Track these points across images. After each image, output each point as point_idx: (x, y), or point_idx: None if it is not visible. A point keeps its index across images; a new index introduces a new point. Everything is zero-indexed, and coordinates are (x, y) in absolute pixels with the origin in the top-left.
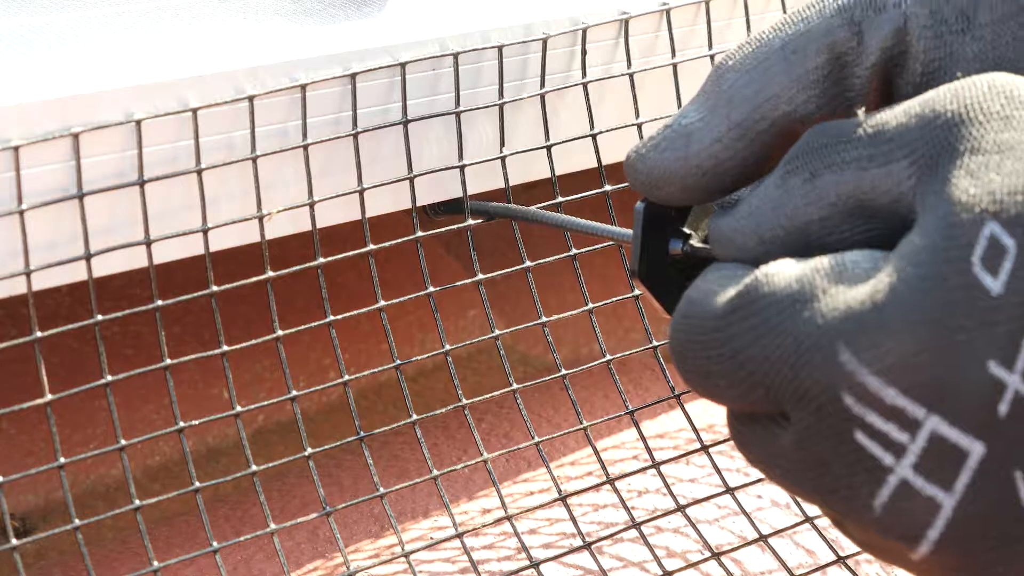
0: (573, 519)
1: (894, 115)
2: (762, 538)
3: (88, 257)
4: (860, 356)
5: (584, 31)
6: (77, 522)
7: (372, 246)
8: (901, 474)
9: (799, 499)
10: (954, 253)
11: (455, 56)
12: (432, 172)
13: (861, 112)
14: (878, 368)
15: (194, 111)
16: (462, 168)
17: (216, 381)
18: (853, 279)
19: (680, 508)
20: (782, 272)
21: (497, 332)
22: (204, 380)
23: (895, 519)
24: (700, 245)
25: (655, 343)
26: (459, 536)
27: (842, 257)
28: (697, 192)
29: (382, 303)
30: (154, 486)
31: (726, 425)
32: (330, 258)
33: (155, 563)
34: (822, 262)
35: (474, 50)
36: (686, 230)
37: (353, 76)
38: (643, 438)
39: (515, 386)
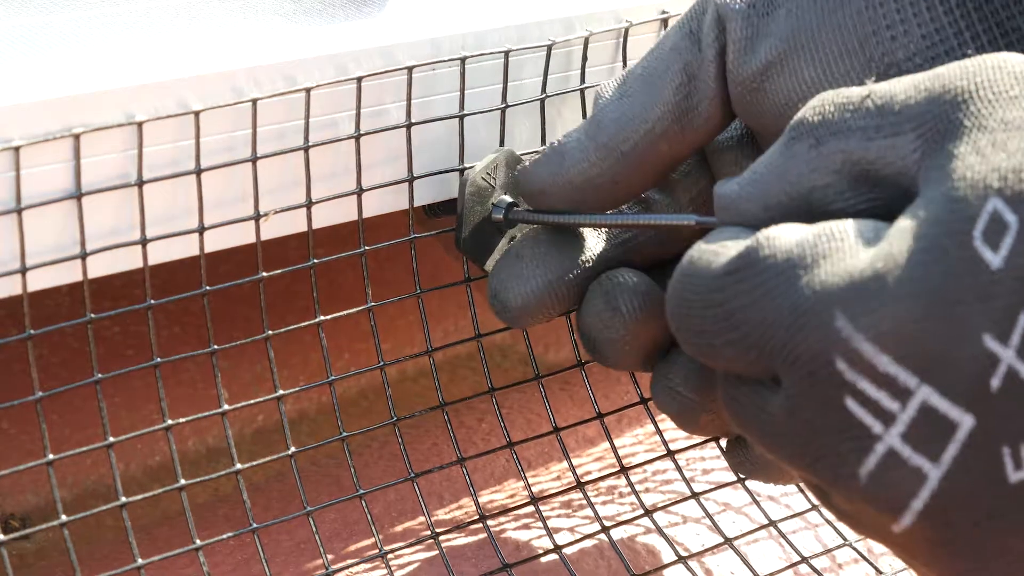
0: (542, 520)
1: (903, 87)
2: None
3: (83, 256)
4: (856, 322)
5: (586, 39)
6: (64, 518)
7: (366, 247)
8: (889, 442)
9: (784, 465)
10: (956, 226)
11: (462, 60)
12: (431, 175)
13: (870, 81)
14: (873, 335)
15: (196, 113)
16: (462, 171)
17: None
18: (854, 246)
19: (695, 495)
20: (783, 235)
21: (480, 334)
22: (204, 380)
23: (880, 488)
24: (519, 210)
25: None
26: (435, 535)
27: (844, 224)
28: (574, 204)
29: (371, 303)
30: (154, 486)
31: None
32: (324, 259)
33: (139, 560)
34: (824, 227)
35: (481, 55)
36: (506, 198)
37: (359, 80)
38: (656, 427)
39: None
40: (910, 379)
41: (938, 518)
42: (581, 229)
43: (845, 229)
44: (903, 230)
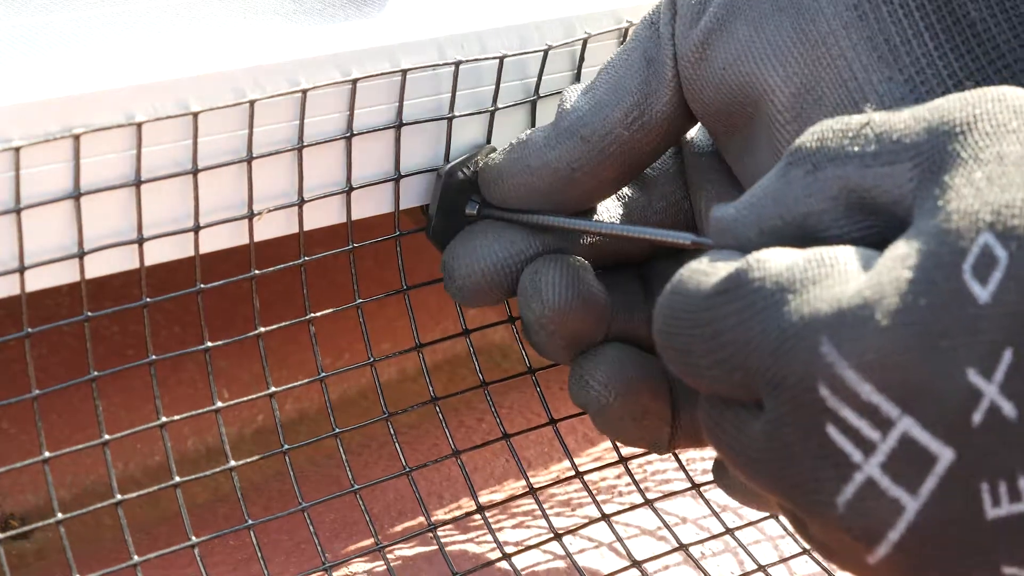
0: (543, 513)
1: (901, 117)
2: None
3: (81, 256)
4: (841, 349)
5: (584, 41)
6: (60, 516)
7: (354, 244)
8: (868, 472)
9: (761, 490)
10: (947, 259)
11: (456, 64)
12: (416, 173)
13: (869, 108)
14: (858, 363)
15: (195, 114)
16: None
17: (216, 380)
18: (844, 273)
19: (695, 486)
20: (773, 259)
21: (467, 328)
22: (204, 380)
23: (857, 517)
24: (491, 207)
25: None
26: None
27: (835, 251)
28: (531, 191)
29: (360, 300)
30: (153, 485)
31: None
32: (314, 256)
33: (135, 557)
34: (815, 252)
35: (476, 60)
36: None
37: (354, 82)
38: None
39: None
40: (892, 409)
41: (914, 551)
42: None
43: (836, 255)
44: (894, 259)
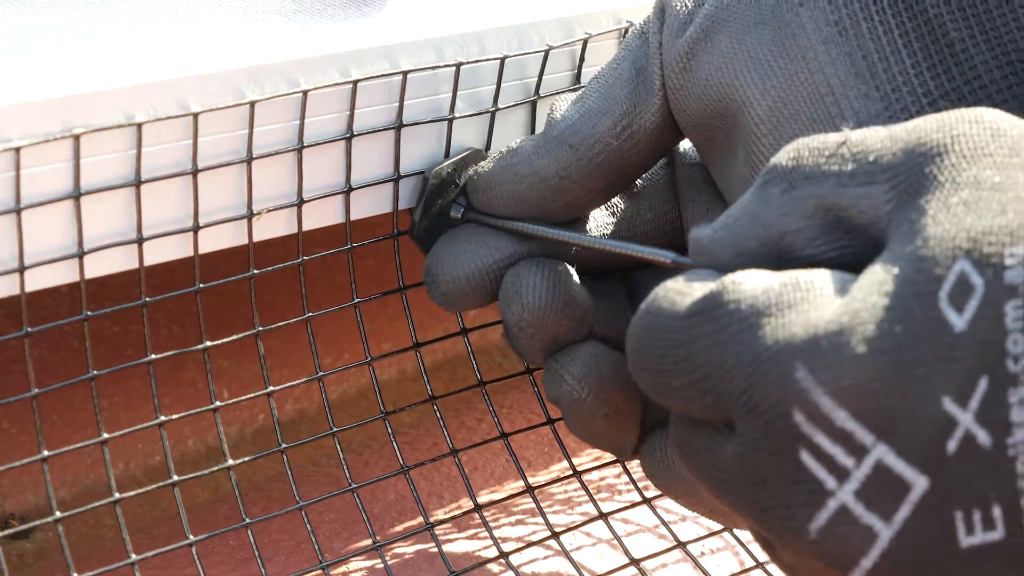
0: (541, 511)
1: (879, 137)
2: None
3: (81, 256)
4: (816, 375)
5: (584, 41)
6: (59, 514)
7: (353, 244)
8: (842, 499)
9: (732, 512)
10: (923, 287)
11: (457, 66)
12: (413, 175)
13: (846, 128)
14: (832, 389)
15: (195, 115)
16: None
17: (216, 380)
18: (819, 298)
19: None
20: (749, 282)
21: (466, 328)
22: (204, 379)
23: (830, 543)
24: (477, 211)
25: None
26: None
27: (811, 274)
28: (520, 199)
29: (357, 300)
30: (154, 485)
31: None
32: (312, 256)
33: (132, 556)
34: (791, 276)
35: (476, 61)
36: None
37: (354, 83)
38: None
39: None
40: (867, 436)
41: None
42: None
43: (811, 280)
44: (870, 284)
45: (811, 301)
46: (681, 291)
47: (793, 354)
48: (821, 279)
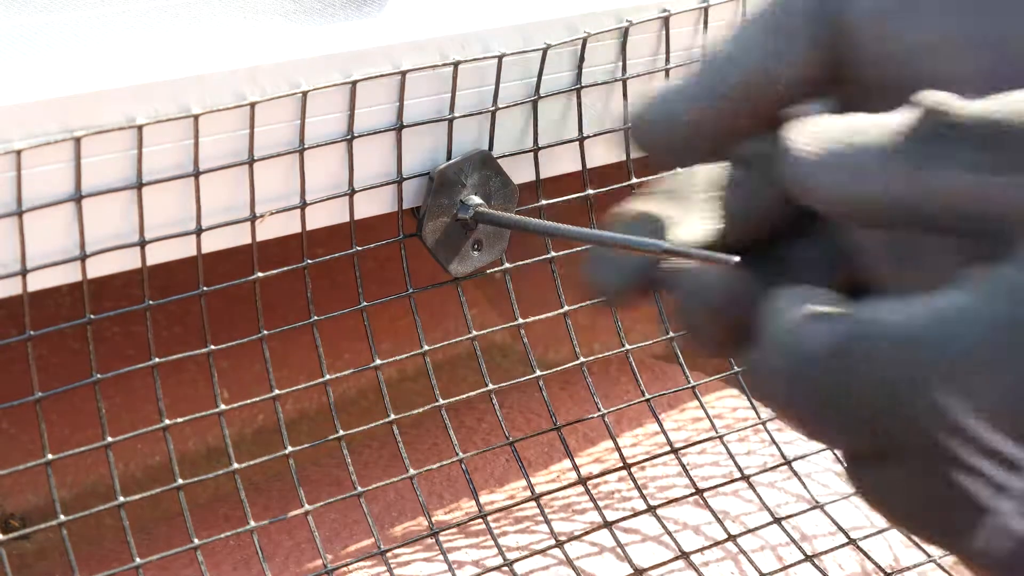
0: (545, 518)
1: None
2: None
3: (83, 258)
4: (965, 401)
5: (584, 40)
6: (62, 517)
7: (357, 247)
8: (1001, 515)
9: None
10: None
11: (455, 65)
12: (417, 176)
13: (967, 103)
14: (981, 412)
15: (196, 116)
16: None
17: (218, 381)
18: (957, 323)
19: (699, 492)
20: (882, 314)
21: (474, 333)
22: (206, 381)
23: (996, 560)
24: (485, 211)
25: (626, 346)
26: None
27: (942, 300)
28: (676, 140)
29: (364, 303)
30: (154, 486)
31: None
32: (317, 259)
33: (137, 559)
34: (925, 303)
35: (474, 60)
36: (475, 198)
37: (354, 84)
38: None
39: (491, 387)
40: (1019, 452)
41: None
42: (689, 211)
43: (944, 307)
44: (1007, 297)
45: (949, 327)
46: (807, 330)
47: (938, 382)
48: (955, 303)
